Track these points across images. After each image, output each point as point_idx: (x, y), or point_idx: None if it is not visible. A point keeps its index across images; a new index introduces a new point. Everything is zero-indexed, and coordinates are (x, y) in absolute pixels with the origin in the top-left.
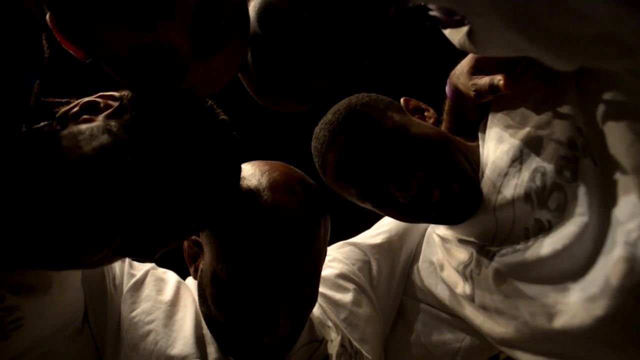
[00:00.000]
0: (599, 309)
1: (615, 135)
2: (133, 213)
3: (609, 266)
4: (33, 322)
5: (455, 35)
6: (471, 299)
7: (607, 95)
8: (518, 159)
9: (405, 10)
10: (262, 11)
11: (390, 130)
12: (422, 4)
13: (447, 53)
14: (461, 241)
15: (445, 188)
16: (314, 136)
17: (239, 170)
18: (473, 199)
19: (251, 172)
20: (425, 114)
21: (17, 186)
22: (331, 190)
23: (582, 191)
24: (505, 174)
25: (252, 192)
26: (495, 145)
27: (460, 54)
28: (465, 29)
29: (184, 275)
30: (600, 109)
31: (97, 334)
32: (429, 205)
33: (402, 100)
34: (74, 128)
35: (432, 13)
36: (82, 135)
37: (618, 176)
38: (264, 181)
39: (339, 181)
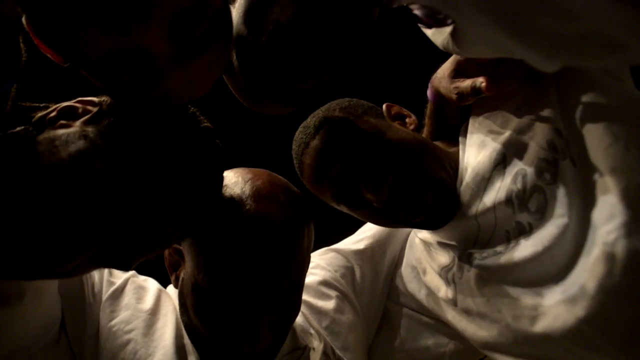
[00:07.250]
0: (579, 310)
1: (594, 137)
2: (108, 222)
3: (588, 267)
4: (7, 333)
5: (439, 37)
6: (454, 302)
7: (585, 97)
8: (501, 163)
9: (390, 11)
10: (246, 13)
11: (365, 133)
12: (407, 4)
13: (429, 56)
14: (442, 244)
15: (419, 196)
16: (293, 140)
17: (221, 178)
18: (449, 205)
19: (234, 180)
20: (407, 120)
21: None
22: (314, 196)
23: (561, 193)
24: (489, 178)
25: (235, 201)
26: (477, 151)
27: (442, 57)
28: (448, 29)
29: (165, 283)
30: (579, 111)
31: (75, 344)
32: (403, 210)
33: (384, 106)
34: (51, 133)
35: (415, 13)
36: (58, 141)
37: (597, 177)
38: (247, 189)
39: (315, 183)
